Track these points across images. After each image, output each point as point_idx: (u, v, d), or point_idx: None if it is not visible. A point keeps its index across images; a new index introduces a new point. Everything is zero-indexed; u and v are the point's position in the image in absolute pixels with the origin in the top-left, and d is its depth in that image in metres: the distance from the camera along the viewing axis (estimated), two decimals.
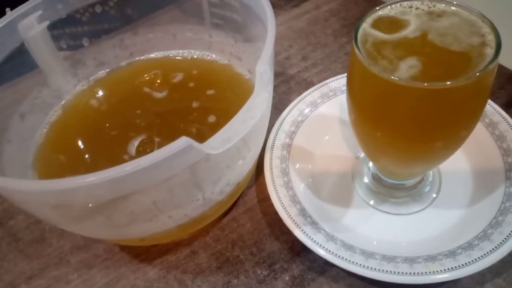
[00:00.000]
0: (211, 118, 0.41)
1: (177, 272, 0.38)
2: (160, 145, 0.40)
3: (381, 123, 0.31)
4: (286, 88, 0.52)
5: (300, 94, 0.50)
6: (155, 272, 0.38)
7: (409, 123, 0.30)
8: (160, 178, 0.26)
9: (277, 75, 0.54)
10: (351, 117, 0.35)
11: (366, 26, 0.30)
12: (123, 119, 0.42)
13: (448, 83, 0.26)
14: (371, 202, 0.40)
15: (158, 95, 0.44)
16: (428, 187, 0.40)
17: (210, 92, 0.43)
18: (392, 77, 0.27)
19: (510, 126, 0.39)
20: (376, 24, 0.30)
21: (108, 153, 0.40)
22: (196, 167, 0.28)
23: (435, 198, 0.39)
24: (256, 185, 0.44)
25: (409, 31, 0.30)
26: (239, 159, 0.32)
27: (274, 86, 0.52)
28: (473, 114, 0.30)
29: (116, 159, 0.39)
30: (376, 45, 0.29)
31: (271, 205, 0.39)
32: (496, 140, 0.39)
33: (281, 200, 0.38)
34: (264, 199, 0.42)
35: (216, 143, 0.26)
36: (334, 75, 0.53)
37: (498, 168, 0.38)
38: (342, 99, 0.46)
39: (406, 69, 0.27)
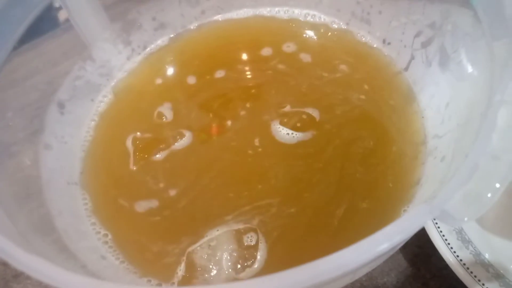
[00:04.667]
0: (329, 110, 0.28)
1: None
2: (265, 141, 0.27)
3: None
4: None
5: None
6: None
7: None
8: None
9: None
10: None
11: None
12: (202, 105, 0.29)
13: None
14: None
15: (247, 73, 0.31)
16: None
17: (322, 73, 0.30)
18: None
19: None
20: None
21: (189, 154, 0.27)
22: None
23: None
24: None
25: None
26: None
27: None
28: None
29: (207, 164, 0.27)
30: None
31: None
32: None
33: (444, 237, 0.26)
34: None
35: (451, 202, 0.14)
36: None
37: None
38: None
39: None
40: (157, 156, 0.27)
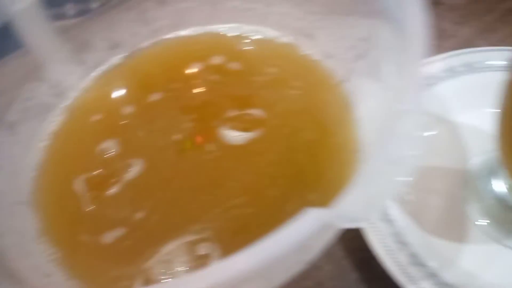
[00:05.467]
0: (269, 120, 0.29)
1: None
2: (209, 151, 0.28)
3: None
4: None
5: None
6: None
7: None
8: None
9: None
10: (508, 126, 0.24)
11: None
12: (153, 123, 0.30)
13: None
14: (494, 234, 0.30)
15: (196, 88, 0.32)
16: None
17: (263, 81, 0.31)
18: None
19: None
20: None
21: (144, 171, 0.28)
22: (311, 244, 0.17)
23: None
24: None
25: None
26: None
27: None
28: None
29: (159, 182, 0.28)
30: None
31: (356, 238, 0.29)
32: None
33: (384, 242, 0.28)
34: (345, 231, 0.32)
35: (353, 211, 0.15)
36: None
37: None
38: (442, 90, 0.35)
39: None
40: (111, 191, 0.28)
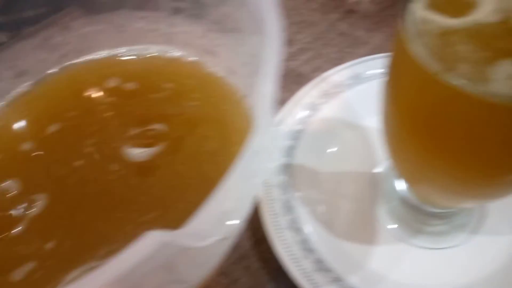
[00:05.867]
0: (177, 138, 0.30)
1: None
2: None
3: (445, 148, 0.21)
4: None
5: (291, 91, 0.39)
6: None
7: (494, 149, 0.20)
8: None
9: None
10: (388, 128, 0.25)
11: (418, 8, 0.20)
12: (53, 154, 0.30)
13: None
14: (401, 234, 0.31)
15: (96, 112, 0.32)
16: (474, 209, 0.31)
17: (163, 97, 0.32)
18: (490, 95, 0.16)
19: None
20: (434, 4, 0.20)
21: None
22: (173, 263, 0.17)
23: (481, 221, 0.30)
24: (248, 220, 0.33)
25: (486, 12, 0.19)
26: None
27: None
28: None
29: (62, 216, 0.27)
30: (443, 38, 0.19)
31: (271, 248, 0.29)
32: None
33: (290, 250, 0.28)
34: (261, 241, 0.32)
35: (201, 229, 0.16)
36: (329, 63, 0.42)
37: None
38: (349, 97, 0.36)
39: (505, 81, 0.17)
40: (16, 230, 0.27)
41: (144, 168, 0.29)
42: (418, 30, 0.19)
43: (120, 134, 0.30)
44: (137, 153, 0.29)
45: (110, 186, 0.28)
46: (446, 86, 0.17)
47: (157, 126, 0.30)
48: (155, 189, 0.28)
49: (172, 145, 0.29)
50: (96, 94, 0.32)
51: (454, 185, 0.23)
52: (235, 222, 0.16)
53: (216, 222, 0.16)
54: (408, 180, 0.28)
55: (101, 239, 0.27)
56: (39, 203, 0.28)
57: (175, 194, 0.28)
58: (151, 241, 0.14)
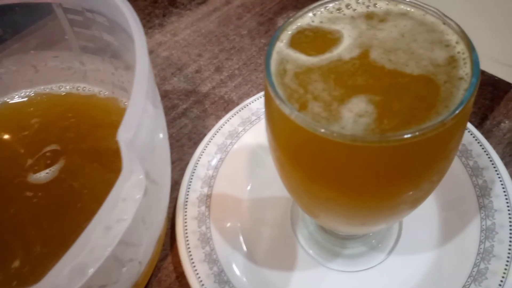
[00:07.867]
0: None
1: None
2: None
3: (319, 179, 0.22)
4: (201, 111, 0.42)
5: (218, 117, 0.40)
6: None
7: (360, 181, 0.20)
8: None
9: (187, 94, 0.43)
10: (275, 156, 0.25)
11: (282, 46, 0.20)
12: None
13: (410, 135, 0.17)
14: (320, 259, 0.31)
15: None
16: (392, 229, 0.32)
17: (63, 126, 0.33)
18: (337, 136, 0.17)
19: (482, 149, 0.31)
20: (296, 42, 0.21)
21: None
22: None
23: (397, 241, 0.31)
24: (172, 254, 0.33)
25: (344, 49, 0.20)
26: (122, 266, 0.21)
27: (185, 110, 0.41)
28: (447, 162, 0.21)
29: None
30: (301, 77, 0.19)
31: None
32: (466, 166, 0.31)
33: (202, 284, 0.28)
34: (183, 274, 0.32)
35: (60, 280, 0.16)
36: (256, 88, 0.43)
37: (469, 198, 0.31)
38: None
39: (353, 119, 0.18)
40: None
41: (53, 187, 0.30)
42: (279, 70, 0.19)
43: (21, 167, 0.30)
44: (43, 175, 0.30)
45: (29, 213, 0.29)
46: (298, 127, 0.17)
47: (52, 147, 0.32)
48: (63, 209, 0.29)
49: (69, 158, 0.31)
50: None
51: (340, 211, 0.23)
52: (90, 273, 0.16)
53: (73, 274, 0.16)
54: (304, 210, 0.29)
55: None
56: None
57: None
58: None
